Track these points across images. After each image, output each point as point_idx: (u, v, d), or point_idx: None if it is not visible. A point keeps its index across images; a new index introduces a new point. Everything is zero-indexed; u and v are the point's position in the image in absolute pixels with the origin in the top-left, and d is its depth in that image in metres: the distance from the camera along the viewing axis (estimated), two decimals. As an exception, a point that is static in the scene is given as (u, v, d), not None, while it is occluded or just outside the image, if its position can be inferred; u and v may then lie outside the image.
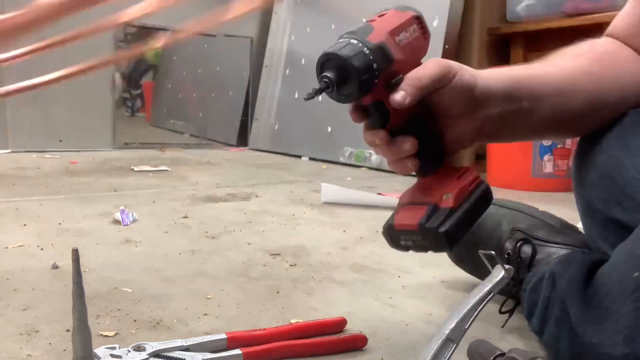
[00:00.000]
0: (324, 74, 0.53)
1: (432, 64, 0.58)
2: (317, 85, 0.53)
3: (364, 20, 0.60)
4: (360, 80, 0.53)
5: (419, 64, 0.59)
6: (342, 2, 2.92)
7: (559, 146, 2.02)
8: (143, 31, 3.31)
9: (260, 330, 0.70)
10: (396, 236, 0.60)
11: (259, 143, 3.24)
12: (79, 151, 2.84)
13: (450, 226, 0.56)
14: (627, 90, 0.70)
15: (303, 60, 3.06)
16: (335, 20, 2.91)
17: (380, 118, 0.58)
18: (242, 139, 3.38)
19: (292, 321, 0.76)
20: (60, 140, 2.85)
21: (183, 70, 3.76)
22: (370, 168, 2.51)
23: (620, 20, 0.74)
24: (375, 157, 2.51)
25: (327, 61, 0.54)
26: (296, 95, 3.06)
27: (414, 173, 0.62)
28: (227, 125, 3.50)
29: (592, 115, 0.68)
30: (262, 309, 0.82)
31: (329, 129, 2.76)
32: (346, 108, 0.60)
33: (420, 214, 0.57)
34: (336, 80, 0.53)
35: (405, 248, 0.60)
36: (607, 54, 0.71)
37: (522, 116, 0.64)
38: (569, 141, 2.00)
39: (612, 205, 0.69)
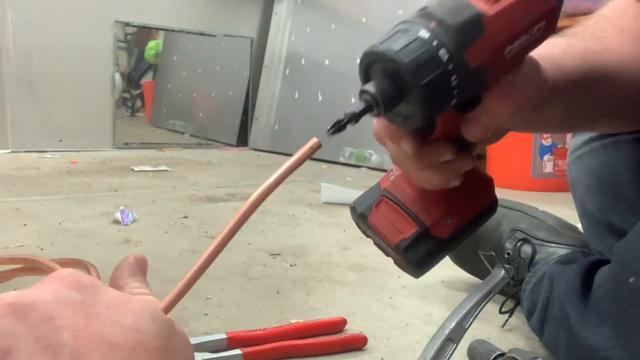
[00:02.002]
0: (364, 89, 0.34)
1: (527, 85, 0.41)
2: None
3: None
4: (427, 114, 0.35)
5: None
6: (342, 2, 2.92)
7: (559, 146, 2.02)
8: (143, 31, 3.32)
9: (260, 330, 0.70)
10: (364, 227, 0.48)
11: (259, 143, 3.24)
12: (79, 151, 2.83)
13: (430, 262, 0.46)
14: None
15: (303, 60, 3.06)
16: (335, 20, 2.91)
17: (422, 131, 0.40)
18: (242, 139, 3.38)
19: (292, 321, 0.76)
20: (60, 140, 2.85)
21: (183, 70, 3.75)
22: (370, 168, 2.51)
23: None
24: (375, 157, 2.51)
25: (375, 63, 0.35)
26: (296, 95, 3.06)
27: None
28: (227, 125, 3.50)
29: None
30: (262, 309, 0.82)
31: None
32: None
33: (405, 232, 0.45)
34: (385, 97, 0.34)
35: (367, 237, 0.49)
36: None
37: (566, 109, 0.53)
38: (569, 141, 2.00)
39: (607, 208, 0.69)
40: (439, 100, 0.34)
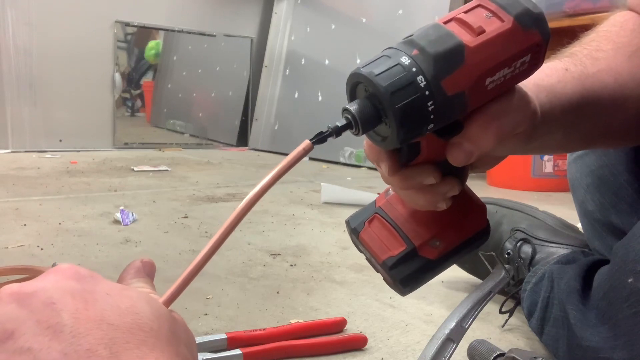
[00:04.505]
0: (346, 107, 0.36)
1: (512, 115, 0.40)
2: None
3: (444, 20, 0.37)
4: (402, 136, 0.36)
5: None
6: (342, 2, 2.92)
7: (559, 146, 2.02)
8: (143, 31, 3.32)
9: (260, 330, 0.70)
10: (356, 242, 0.49)
11: (259, 143, 3.24)
12: (79, 151, 2.84)
13: (416, 282, 0.46)
14: None
15: (303, 60, 3.06)
16: (335, 20, 2.91)
17: (407, 153, 0.41)
18: (242, 139, 3.38)
19: (292, 321, 0.76)
20: (60, 140, 2.85)
21: (183, 70, 3.76)
22: (370, 168, 2.51)
23: None
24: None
25: (359, 83, 0.37)
26: (296, 95, 3.06)
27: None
28: (227, 125, 3.50)
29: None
30: (262, 309, 0.83)
31: (329, 129, 2.76)
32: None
33: (393, 250, 0.45)
34: (363, 117, 0.36)
35: (360, 252, 0.50)
36: None
37: (563, 134, 0.51)
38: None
39: (607, 208, 0.69)
40: (414, 123, 0.36)
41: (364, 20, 2.74)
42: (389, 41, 0.38)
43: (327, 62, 2.90)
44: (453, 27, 0.36)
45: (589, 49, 0.54)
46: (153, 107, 3.67)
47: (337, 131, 0.36)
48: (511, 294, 0.78)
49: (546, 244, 0.81)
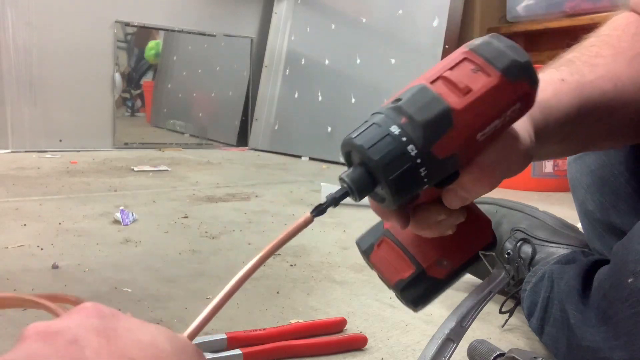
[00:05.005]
0: (342, 177, 0.38)
1: (504, 162, 0.39)
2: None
3: (431, 79, 0.37)
4: (398, 201, 0.37)
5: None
6: (342, 2, 2.92)
7: (559, 146, 2.02)
8: (143, 31, 3.32)
9: (260, 330, 0.70)
10: (368, 263, 0.50)
11: (259, 143, 3.24)
12: (79, 151, 2.84)
13: (427, 300, 0.48)
14: None
15: (303, 60, 3.06)
16: (335, 20, 2.91)
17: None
18: (242, 139, 3.38)
19: (292, 321, 0.76)
20: (60, 140, 2.85)
21: (183, 70, 3.76)
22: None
23: None
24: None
25: (353, 150, 0.38)
26: (296, 95, 3.06)
27: None
28: (227, 125, 3.50)
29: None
30: (262, 309, 0.83)
31: (329, 129, 2.76)
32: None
33: (403, 273, 0.46)
34: (359, 186, 0.37)
35: (372, 270, 0.51)
36: None
37: (559, 144, 0.52)
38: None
39: (607, 208, 0.69)
40: (409, 189, 0.36)
41: (364, 20, 2.74)
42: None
43: (327, 62, 2.90)
44: (439, 89, 0.36)
45: (587, 54, 0.53)
46: (153, 107, 3.67)
47: (336, 201, 0.38)
48: (511, 294, 0.78)
49: (546, 244, 0.81)
